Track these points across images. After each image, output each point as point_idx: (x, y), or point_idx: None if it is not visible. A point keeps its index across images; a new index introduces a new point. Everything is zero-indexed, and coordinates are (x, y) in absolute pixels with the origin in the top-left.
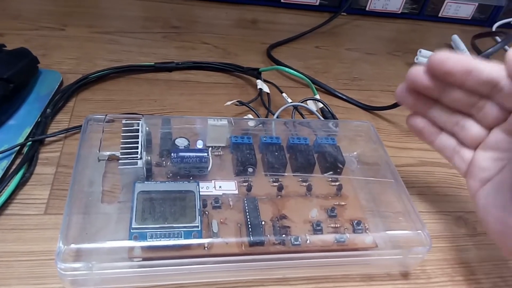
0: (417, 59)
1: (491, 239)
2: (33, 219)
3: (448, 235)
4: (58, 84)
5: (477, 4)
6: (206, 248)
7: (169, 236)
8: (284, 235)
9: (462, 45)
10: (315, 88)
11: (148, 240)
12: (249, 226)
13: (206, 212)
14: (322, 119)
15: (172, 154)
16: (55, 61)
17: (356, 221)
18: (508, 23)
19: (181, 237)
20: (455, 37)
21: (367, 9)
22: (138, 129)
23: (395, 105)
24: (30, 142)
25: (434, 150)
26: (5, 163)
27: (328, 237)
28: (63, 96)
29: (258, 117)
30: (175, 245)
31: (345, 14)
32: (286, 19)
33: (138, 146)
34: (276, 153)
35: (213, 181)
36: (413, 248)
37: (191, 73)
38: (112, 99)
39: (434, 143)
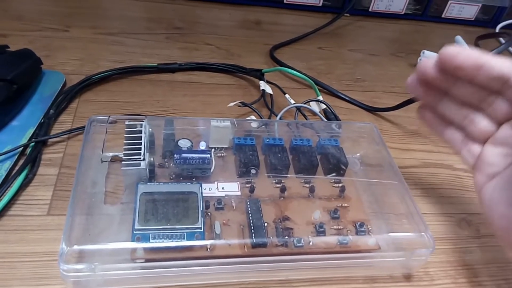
0: (420, 60)
1: (495, 234)
2: (36, 220)
3: (452, 237)
4: (61, 85)
5: (480, 5)
6: (208, 250)
7: (172, 237)
8: (286, 237)
9: (465, 46)
10: (318, 89)
11: (151, 241)
12: (252, 227)
13: (209, 214)
14: (325, 120)
15: (175, 155)
16: (59, 62)
17: (359, 223)
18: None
19: (183, 238)
20: (459, 38)
21: (370, 10)
22: (141, 130)
23: (398, 106)
24: (33, 143)
25: (437, 152)
26: (8, 164)
27: (331, 239)
28: (66, 97)
29: (261, 118)
30: (178, 246)
31: (348, 15)
32: (289, 20)
33: (141, 147)
34: (279, 155)
35: (215, 182)
36: (416, 250)
37: (194, 74)
38: (115, 100)
39: (443, 134)
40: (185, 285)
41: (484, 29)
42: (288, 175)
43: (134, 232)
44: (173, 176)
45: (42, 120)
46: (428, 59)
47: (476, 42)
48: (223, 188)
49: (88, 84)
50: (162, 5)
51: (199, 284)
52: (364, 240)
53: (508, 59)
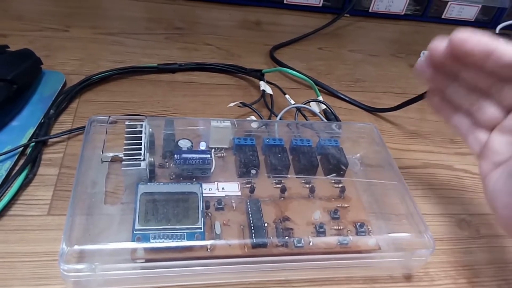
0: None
1: (498, 223)
2: (36, 220)
3: (452, 237)
4: (62, 85)
5: (480, 5)
6: (208, 250)
7: (172, 237)
8: (287, 237)
9: None
10: (318, 89)
11: (151, 241)
12: (252, 228)
13: (209, 214)
14: (325, 120)
15: (175, 155)
16: (59, 62)
17: (359, 223)
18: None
19: (184, 238)
20: None
21: (370, 10)
22: (141, 130)
23: (398, 107)
24: (33, 143)
25: (437, 152)
26: (8, 164)
27: (331, 239)
28: (67, 97)
29: (261, 118)
30: (178, 246)
31: (348, 15)
32: (289, 21)
33: (141, 148)
34: (279, 155)
35: (216, 182)
36: (416, 251)
37: (194, 75)
38: (115, 100)
39: (450, 120)
40: (185, 285)
41: (484, 30)
42: (288, 176)
43: (135, 232)
44: (173, 176)
45: (42, 120)
46: (440, 41)
47: None
48: (223, 188)
49: (88, 84)
50: (162, 6)
51: (199, 284)
52: (364, 241)
53: None
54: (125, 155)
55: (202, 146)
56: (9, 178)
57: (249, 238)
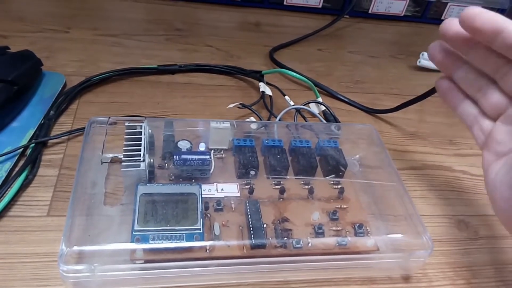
0: (419, 62)
1: (496, 215)
2: (36, 221)
3: (450, 238)
4: (62, 86)
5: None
6: (207, 251)
7: (171, 238)
8: (285, 238)
9: None
10: (318, 91)
11: (150, 242)
12: (251, 228)
13: (208, 215)
14: (325, 122)
15: (175, 156)
16: (59, 64)
17: (358, 224)
18: None
19: (183, 239)
20: None
21: (369, 12)
22: (141, 131)
23: (397, 108)
24: (33, 144)
25: (436, 154)
26: (8, 165)
27: (329, 240)
28: (67, 98)
29: (261, 119)
30: (177, 247)
31: (347, 17)
32: (289, 22)
33: (140, 149)
34: (278, 156)
35: (215, 183)
36: (415, 252)
37: (194, 76)
38: (115, 102)
39: (457, 109)
40: (185, 286)
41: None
42: (287, 177)
43: (134, 233)
44: (173, 177)
45: (42, 121)
46: (451, 20)
47: None
48: (222, 189)
49: (88, 85)
50: (162, 7)
51: (198, 285)
52: (363, 242)
53: None
54: (125, 156)
55: (202, 147)
56: (9, 179)
57: (248, 239)
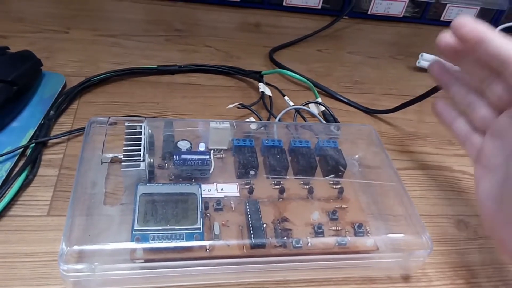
0: (419, 62)
1: (484, 226)
2: (36, 221)
3: (449, 238)
4: (62, 86)
5: (479, 8)
6: (207, 250)
7: (171, 238)
8: (285, 238)
9: None
10: (317, 91)
11: (150, 242)
12: (251, 228)
13: (208, 215)
14: (324, 122)
15: (175, 156)
16: (59, 64)
17: (357, 224)
18: (510, 27)
19: (183, 239)
20: None
21: (369, 12)
22: (141, 131)
23: (396, 109)
24: (33, 144)
25: (435, 154)
26: (8, 165)
27: (329, 240)
28: (66, 98)
29: (260, 120)
30: (177, 247)
31: (347, 17)
32: (289, 23)
33: (140, 149)
34: (278, 156)
35: (215, 183)
36: (414, 251)
37: (193, 76)
38: (115, 102)
39: (451, 126)
40: (184, 285)
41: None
42: (287, 177)
43: (134, 232)
44: (173, 177)
45: (42, 121)
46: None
47: None
48: (222, 189)
49: (88, 85)
50: (162, 8)
51: (198, 284)
52: (363, 241)
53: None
54: (125, 156)
55: (201, 147)
56: (9, 179)
57: (248, 239)
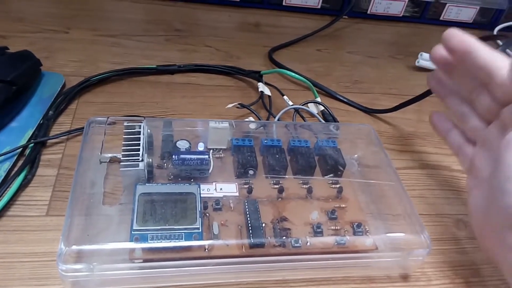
0: (418, 62)
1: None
2: (35, 221)
3: (449, 237)
4: (61, 86)
5: (478, 7)
6: (206, 250)
7: (170, 238)
8: (284, 237)
9: None
10: (316, 91)
11: (149, 241)
12: (250, 228)
13: (207, 214)
14: (323, 121)
15: (174, 156)
16: (58, 64)
17: (356, 224)
18: (510, 26)
19: (182, 239)
20: None
21: (368, 12)
22: (140, 131)
23: (396, 108)
24: (32, 144)
25: (434, 153)
26: (7, 165)
27: (328, 239)
28: (66, 98)
29: (259, 119)
30: (176, 246)
31: (346, 17)
32: (288, 22)
33: (139, 148)
34: (277, 156)
35: (214, 183)
36: (413, 251)
37: (193, 76)
38: (114, 102)
39: (446, 138)
40: (183, 285)
41: (482, 32)
42: (286, 176)
43: (133, 232)
44: (172, 177)
45: (41, 121)
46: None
47: None
48: (221, 189)
49: (87, 85)
50: (162, 8)
51: (197, 284)
52: (362, 241)
53: (496, 51)
54: (124, 156)
55: (200, 147)
56: (8, 178)
57: (247, 238)
